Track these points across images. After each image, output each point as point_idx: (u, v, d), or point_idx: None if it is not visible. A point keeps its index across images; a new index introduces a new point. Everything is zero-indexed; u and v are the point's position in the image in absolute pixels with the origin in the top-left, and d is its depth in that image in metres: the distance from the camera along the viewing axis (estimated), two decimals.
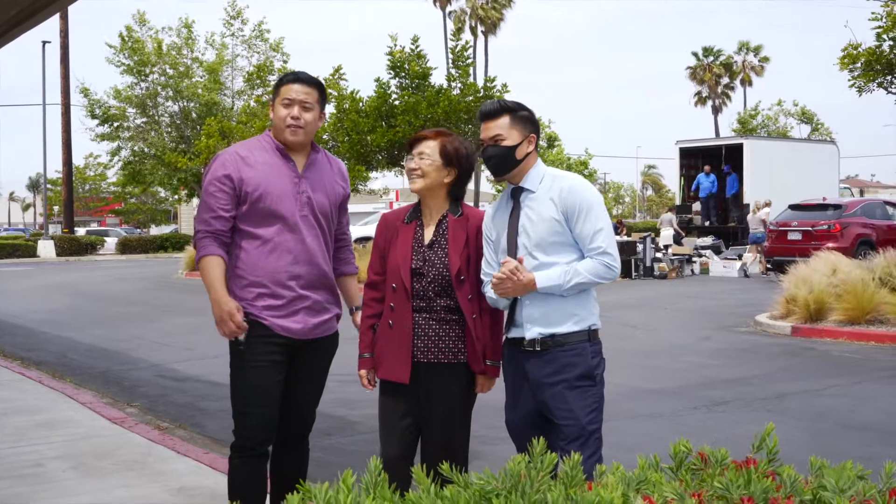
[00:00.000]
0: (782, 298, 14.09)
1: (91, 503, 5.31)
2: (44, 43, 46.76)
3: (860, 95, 18.85)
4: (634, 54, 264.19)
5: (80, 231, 56.60)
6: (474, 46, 59.52)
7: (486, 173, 55.27)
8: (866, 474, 2.52)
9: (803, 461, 2.54)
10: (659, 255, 24.87)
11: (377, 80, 24.68)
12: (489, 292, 3.85)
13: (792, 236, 22.00)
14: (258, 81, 38.66)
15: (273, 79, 37.59)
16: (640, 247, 24.28)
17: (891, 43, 17.77)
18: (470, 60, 26.13)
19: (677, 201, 33.62)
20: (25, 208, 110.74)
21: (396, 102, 24.28)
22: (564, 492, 2.26)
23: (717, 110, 74.12)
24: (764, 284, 20.92)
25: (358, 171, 25.38)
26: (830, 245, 19.88)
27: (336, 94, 25.70)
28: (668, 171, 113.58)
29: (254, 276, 4.09)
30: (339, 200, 4.36)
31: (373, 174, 29.52)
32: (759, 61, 73.54)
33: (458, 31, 50.37)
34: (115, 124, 42.02)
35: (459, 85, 24.77)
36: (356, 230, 31.15)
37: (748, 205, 29.91)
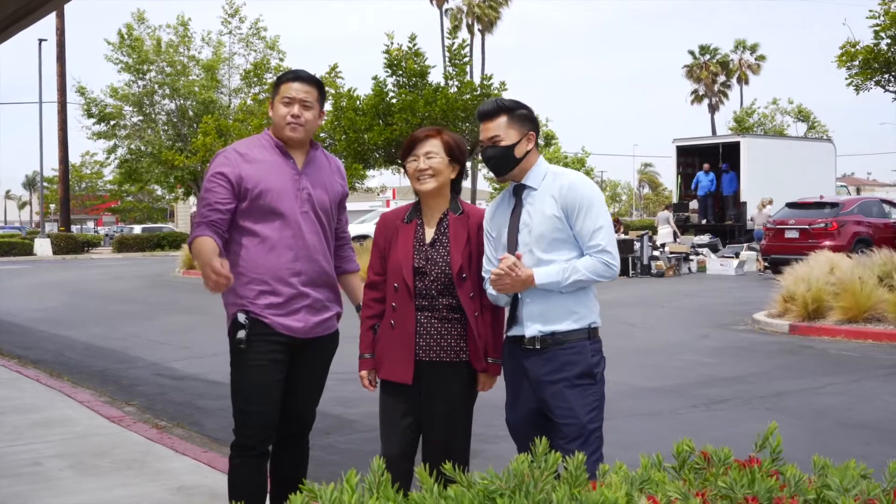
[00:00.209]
0: (780, 296, 14.09)
1: (90, 502, 5.30)
2: (40, 41, 46.73)
3: (858, 94, 18.88)
4: (631, 52, 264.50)
5: (78, 229, 56.54)
6: (471, 44, 59.58)
7: (483, 171, 55.29)
8: (869, 473, 2.51)
9: (803, 460, 2.53)
10: (656, 253, 24.87)
11: (374, 78, 24.67)
12: (490, 289, 3.85)
13: (789, 234, 22.01)
14: (255, 79, 38.62)
15: (270, 77, 37.57)
16: (637, 245, 24.28)
17: (888, 41, 17.79)
18: (467, 59, 26.15)
19: (674, 199, 33.63)
20: (22, 206, 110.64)
21: (394, 101, 24.26)
22: (569, 492, 2.25)
23: (713, 108, 74.17)
24: (761, 282, 20.92)
25: (355, 170, 25.37)
26: (827, 243, 19.90)
27: (333, 92, 25.68)
28: (664, 170, 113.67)
29: (255, 273, 4.08)
30: (338, 198, 4.36)
31: (370, 172, 29.52)
32: (755, 59, 73.60)
33: (455, 29, 50.39)
34: (112, 122, 41.96)
35: (457, 83, 24.76)
36: (353, 228, 31.12)
37: (745, 203, 29.92)
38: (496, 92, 24.30)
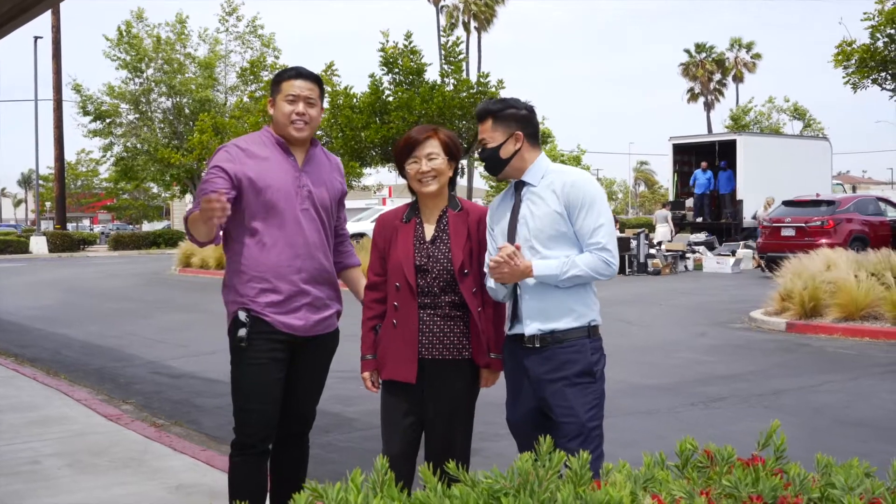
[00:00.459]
0: (777, 294, 14.10)
1: (88, 501, 5.29)
2: (35, 38, 46.62)
3: (855, 92, 18.89)
4: (627, 51, 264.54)
5: (74, 227, 56.43)
6: (467, 42, 59.59)
7: (479, 169, 55.30)
8: (872, 471, 2.51)
9: (801, 458, 2.53)
10: (653, 251, 24.89)
11: (371, 75, 24.63)
12: (489, 282, 3.85)
13: (785, 232, 22.01)
14: (251, 77, 38.58)
15: (266, 74, 37.53)
16: (633, 243, 24.30)
17: (885, 40, 17.81)
18: (462, 56, 26.09)
19: (670, 197, 33.65)
20: (17, 204, 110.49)
21: (390, 98, 24.22)
22: (574, 491, 2.24)
23: (709, 106, 74.23)
24: (757, 280, 20.94)
25: (352, 168, 25.35)
26: (824, 241, 19.90)
27: (329, 90, 25.64)
28: (660, 168, 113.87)
29: (255, 270, 4.06)
30: (338, 196, 4.35)
31: (366, 170, 29.50)
32: (751, 58, 73.67)
33: (451, 26, 50.37)
34: (108, 120, 41.91)
35: (453, 81, 24.72)
36: (350, 227, 31.04)
37: (741, 201, 29.93)
38: (493, 90, 24.25)
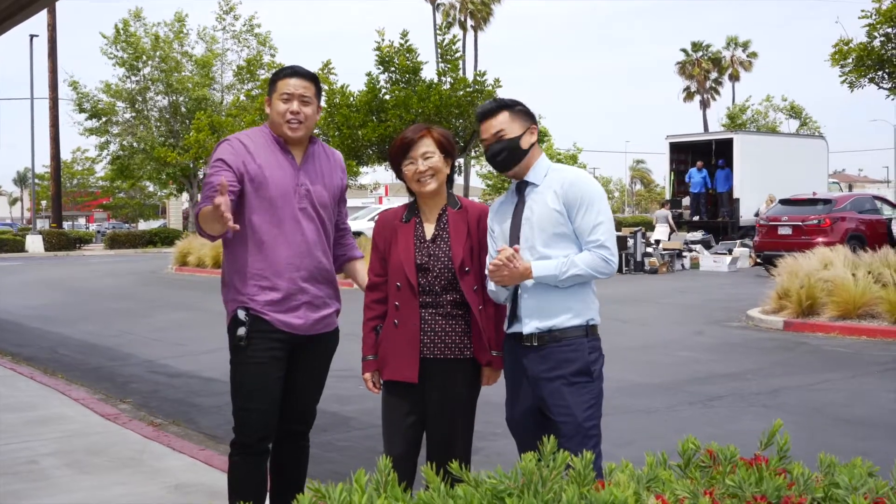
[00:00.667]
0: (774, 293, 14.11)
1: (88, 501, 5.28)
2: (31, 37, 46.47)
3: (852, 91, 18.89)
4: (623, 49, 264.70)
5: (70, 225, 56.35)
6: (464, 41, 59.59)
7: (475, 168, 55.22)
8: (875, 471, 2.50)
9: (802, 456, 2.52)
10: (650, 249, 24.90)
11: (368, 74, 24.61)
12: (490, 284, 3.84)
13: (782, 231, 22.03)
14: (248, 76, 38.57)
15: (263, 73, 37.51)
16: (630, 242, 24.30)
17: (882, 39, 17.82)
18: (459, 54, 26.07)
19: (667, 196, 33.64)
20: (13, 203, 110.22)
21: (387, 97, 24.19)
22: (578, 491, 2.23)
23: (705, 105, 74.30)
24: (754, 279, 20.97)
25: (349, 166, 25.35)
26: (820, 240, 19.90)
27: (326, 88, 25.62)
28: (656, 166, 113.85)
29: (254, 268, 4.05)
30: (338, 193, 4.34)
31: (363, 169, 29.49)
32: (747, 56, 73.73)
33: (447, 25, 50.32)
34: (104, 119, 41.86)
35: (450, 79, 24.70)
36: None
37: (738, 199, 29.93)
38: (490, 88, 24.25)
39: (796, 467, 2.48)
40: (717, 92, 74.53)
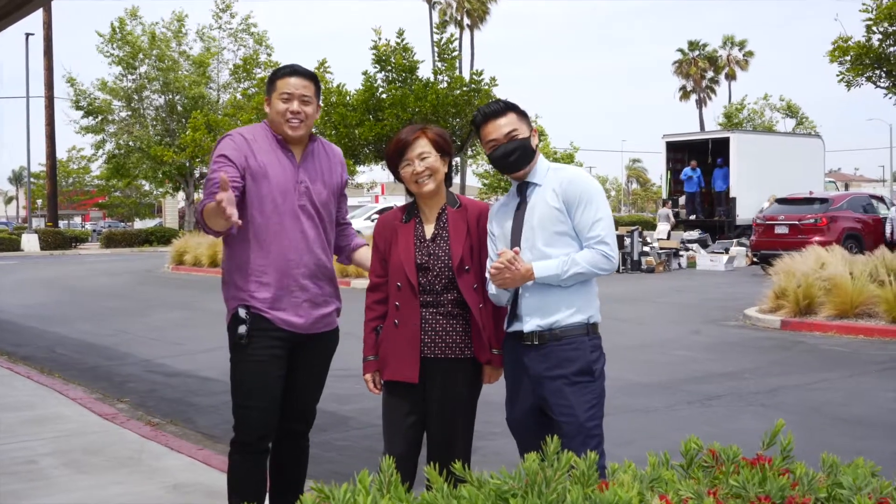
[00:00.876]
0: (771, 292, 14.12)
1: (86, 501, 5.26)
2: (27, 35, 46.37)
3: (849, 90, 18.90)
4: (620, 48, 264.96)
5: (65, 224, 56.23)
6: (460, 40, 59.50)
7: (472, 167, 55.20)
8: (877, 471, 2.50)
9: (801, 456, 2.52)
10: (646, 248, 24.91)
11: (364, 73, 24.60)
12: (491, 288, 3.84)
13: (779, 230, 22.04)
14: (244, 75, 38.52)
15: (259, 72, 37.46)
16: (627, 241, 24.31)
17: (880, 36, 17.82)
18: (455, 53, 26.08)
19: (663, 195, 33.65)
20: (8, 202, 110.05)
21: (384, 96, 24.19)
22: (582, 492, 2.23)
23: (701, 104, 74.36)
24: (751, 278, 20.99)
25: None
26: (817, 239, 19.92)
27: (323, 87, 25.62)
28: (652, 165, 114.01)
29: (255, 265, 4.04)
30: (337, 189, 4.32)
31: (360, 168, 29.47)
32: (743, 55, 73.80)
33: (444, 24, 50.29)
34: (100, 117, 41.80)
35: (446, 78, 24.70)
36: None
37: (734, 198, 29.95)
38: (486, 87, 24.26)
39: (799, 467, 2.47)
40: (714, 91, 74.61)
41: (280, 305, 4.04)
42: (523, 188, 3.91)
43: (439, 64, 25.35)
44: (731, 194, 30.06)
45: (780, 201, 23.38)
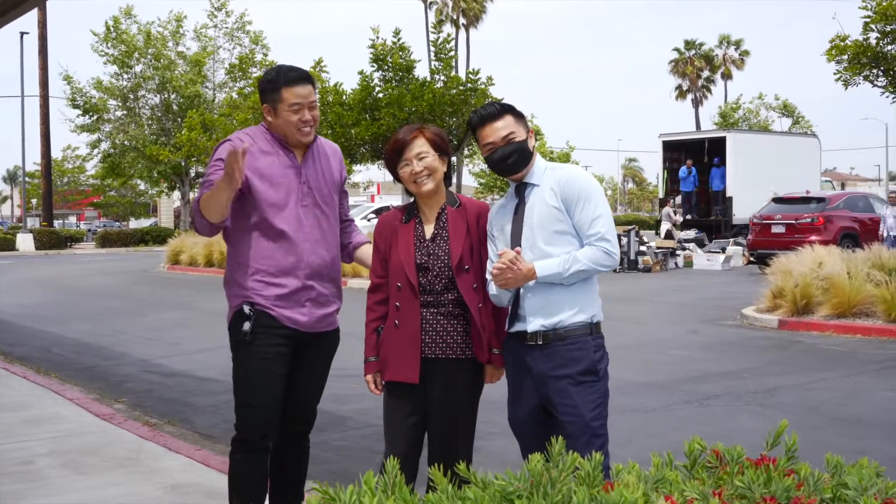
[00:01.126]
0: (769, 292, 14.12)
1: (85, 501, 5.24)
2: (22, 34, 46.26)
3: (846, 89, 18.91)
4: (616, 48, 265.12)
5: (60, 224, 56.13)
6: (456, 39, 59.51)
7: (469, 166, 55.22)
8: (881, 471, 2.49)
9: (801, 456, 2.52)
10: (643, 248, 24.91)
11: (361, 72, 24.57)
12: (492, 289, 3.82)
13: (776, 229, 22.07)
14: (240, 74, 38.47)
15: (255, 71, 37.40)
16: (623, 240, 24.31)
17: (877, 35, 17.83)
18: (452, 53, 26.07)
19: (660, 194, 33.66)
20: (2, 201, 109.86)
21: (380, 95, 24.17)
22: (588, 493, 2.21)
23: (697, 103, 74.42)
24: (748, 277, 21.00)
25: None
26: (814, 238, 19.94)
27: (319, 87, 25.59)
28: (648, 165, 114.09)
29: (259, 264, 4.03)
30: (338, 185, 4.31)
31: (356, 167, 29.46)
32: (739, 55, 73.87)
33: (440, 23, 50.30)
34: (96, 116, 41.72)
35: (443, 77, 24.68)
36: None
37: (731, 198, 29.96)
38: (483, 87, 24.24)
39: (804, 468, 2.47)
40: (709, 90, 74.71)
41: (285, 303, 4.02)
42: (521, 189, 3.91)
43: (436, 63, 25.34)
44: (728, 194, 30.07)
45: (777, 200, 23.40)
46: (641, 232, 27.79)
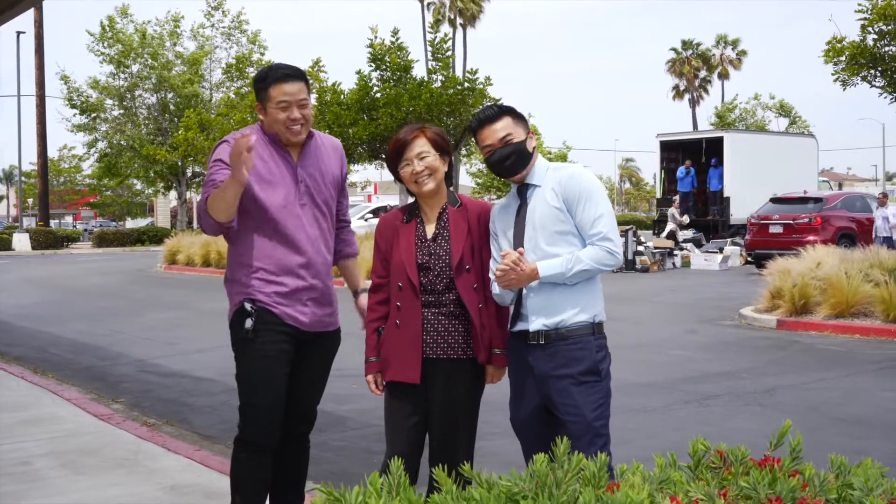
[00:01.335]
0: (767, 292, 14.12)
1: (85, 501, 5.23)
2: (18, 34, 46.23)
3: (844, 89, 18.92)
4: (613, 48, 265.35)
5: (56, 223, 56.03)
6: (453, 39, 59.57)
7: (466, 166, 55.20)
8: (885, 471, 2.48)
9: (803, 456, 2.49)
10: (641, 248, 24.92)
11: (358, 72, 24.56)
12: (495, 289, 3.81)
13: (773, 229, 22.08)
14: (237, 73, 38.43)
15: (252, 71, 37.37)
16: (621, 240, 24.29)
17: (875, 36, 17.84)
18: (449, 53, 26.06)
19: (657, 194, 33.66)
20: None
21: (378, 95, 24.15)
22: (594, 493, 2.20)
23: (694, 103, 74.49)
24: (745, 277, 21.00)
25: None
26: (811, 238, 19.95)
27: (317, 86, 25.57)
28: (645, 165, 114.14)
29: (260, 263, 4.01)
30: (337, 183, 4.28)
31: (354, 167, 29.45)
32: (736, 55, 73.93)
33: (437, 23, 50.30)
34: (93, 115, 41.66)
35: (441, 77, 24.67)
36: None
37: (728, 198, 29.98)
38: (481, 87, 24.23)
39: (808, 468, 2.46)
40: (706, 90, 74.77)
41: (287, 301, 4.01)
42: (523, 190, 3.90)
43: (433, 63, 25.33)
44: (725, 194, 30.09)
45: (775, 201, 23.41)
46: (639, 232, 27.79)
